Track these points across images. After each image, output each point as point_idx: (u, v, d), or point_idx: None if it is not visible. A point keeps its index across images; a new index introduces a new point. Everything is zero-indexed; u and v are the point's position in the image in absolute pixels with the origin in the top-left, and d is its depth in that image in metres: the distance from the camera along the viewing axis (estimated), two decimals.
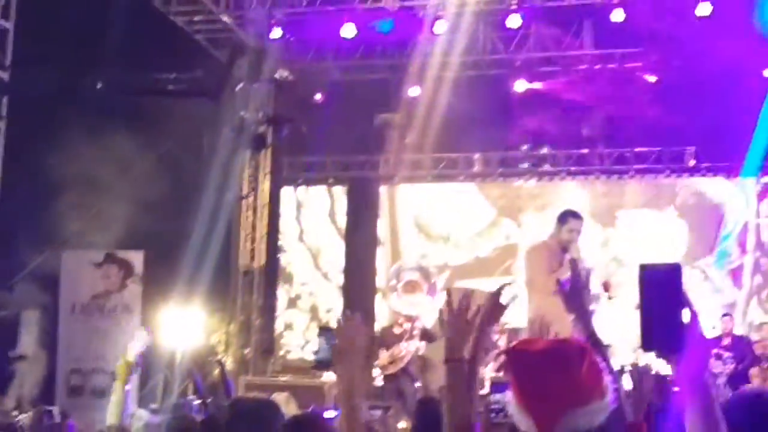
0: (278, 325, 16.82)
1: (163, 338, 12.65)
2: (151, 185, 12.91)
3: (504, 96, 15.42)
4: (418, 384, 12.38)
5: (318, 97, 16.22)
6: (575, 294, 3.87)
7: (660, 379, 4.24)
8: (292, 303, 17.07)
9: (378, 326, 14.56)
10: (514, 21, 14.16)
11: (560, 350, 2.66)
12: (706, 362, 2.29)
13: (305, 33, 15.63)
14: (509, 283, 3.98)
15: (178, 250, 13.42)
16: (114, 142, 12.63)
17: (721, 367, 12.27)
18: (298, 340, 16.71)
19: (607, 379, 2.67)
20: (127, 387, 6.37)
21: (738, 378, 12.18)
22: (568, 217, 8.72)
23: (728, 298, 15.34)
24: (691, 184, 15.90)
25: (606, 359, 3.44)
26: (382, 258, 16.68)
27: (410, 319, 13.16)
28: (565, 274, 8.36)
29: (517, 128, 15.54)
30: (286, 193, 17.25)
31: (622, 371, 4.44)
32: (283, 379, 13.89)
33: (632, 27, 14.84)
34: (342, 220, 17.08)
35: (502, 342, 11.92)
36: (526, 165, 16.33)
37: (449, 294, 3.48)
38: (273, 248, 16.79)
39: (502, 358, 10.63)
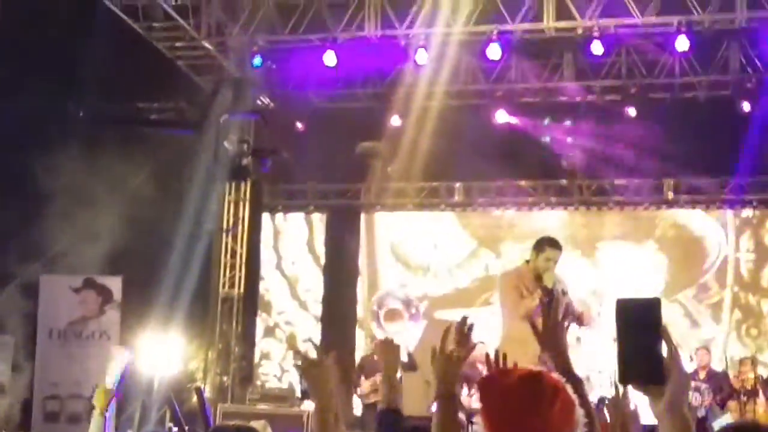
0: (256, 354, 16.77)
1: (141, 365, 12.58)
2: (130, 211, 12.88)
3: (485, 126, 15.47)
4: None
5: (299, 125, 16.23)
6: (549, 328, 3.86)
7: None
8: (270, 332, 17.03)
9: (358, 354, 14.54)
10: (494, 52, 14.22)
11: (531, 384, 2.67)
12: (685, 395, 2.30)
13: (287, 61, 15.67)
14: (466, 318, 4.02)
15: (157, 277, 13.38)
16: (95, 168, 12.59)
17: (699, 400, 12.30)
18: (276, 369, 16.66)
19: (579, 413, 2.68)
20: (107, 414, 6.31)
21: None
22: (545, 245, 8.65)
23: (708, 332, 15.41)
24: (670, 216, 15.99)
25: (582, 394, 3.44)
26: (360, 287, 16.68)
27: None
28: (535, 302, 8.37)
29: (497, 158, 15.58)
30: (266, 220, 17.25)
31: (602, 402, 4.46)
32: (261, 407, 13.81)
33: (612, 60, 14.97)
34: (321, 249, 17.07)
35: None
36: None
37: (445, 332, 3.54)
38: (253, 275, 16.76)
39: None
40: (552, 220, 16.15)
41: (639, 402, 3.83)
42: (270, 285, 17.21)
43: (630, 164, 15.49)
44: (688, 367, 12.80)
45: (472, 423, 9.93)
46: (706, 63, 14.69)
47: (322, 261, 16.98)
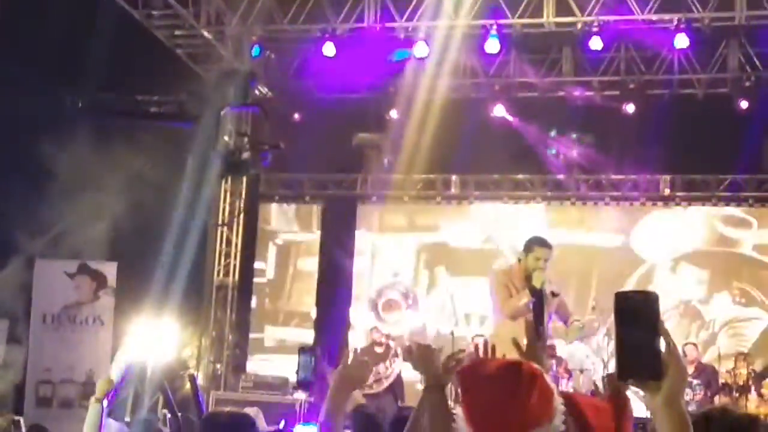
0: (250, 342, 16.78)
1: (135, 351, 12.56)
2: (127, 197, 12.87)
3: (483, 119, 15.47)
4: (400, 403, 12.39)
5: (296, 116, 16.22)
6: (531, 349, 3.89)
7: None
8: (266, 320, 17.03)
9: (358, 344, 14.57)
10: (492, 46, 14.22)
11: (509, 373, 2.69)
12: (683, 390, 2.30)
13: (285, 51, 15.67)
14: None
15: (152, 263, 13.37)
16: (92, 155, 12.58)
17: (691, 395, 12.34)
18: (270, 357, 16.66)
19: (557, 401, 2.70)
20: (104, 403, 6.34)
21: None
22: (534, 245, 8.62)
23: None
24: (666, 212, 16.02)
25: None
26: (357, 275, 16.69)
27: (391, 337, 13.19)
28: (521, 302, 8.37)
29: (495, 152, 15.58)
30: (263, 209, 17.25)
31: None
32: (254, 395, 13.83)
33: (611, 56, 14.98)
34: (317, 238, 17.08)
35: None
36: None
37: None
38: (248, 264, 16.77)
39: None
40: (547, 213, 16.19)
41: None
42: (267, 273, 17.22)
43: (627, 160, 15.52)
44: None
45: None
46: (705, 60, 14.72)
47: (319, 249, 16.97)
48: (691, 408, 12.13)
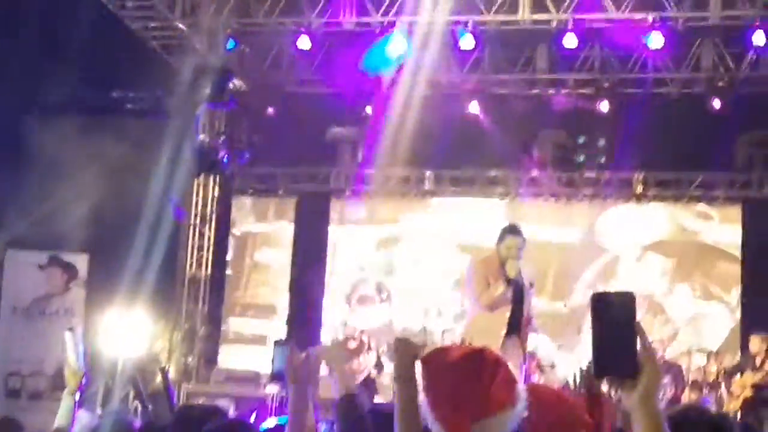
0: (222, 335, 16.74)
1: (105, 343, 12.52)
2: (99, 190, 12.81)
3: (457, 116, 15.48)
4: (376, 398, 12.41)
5: (271, 110, 16.16)
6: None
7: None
8: (237, 313, 16.98)
9: (329, 340, 14.59)
10: (467, 43, 14.23)
11: (472, 360, 2.71)
12: (658, 388, 2.32)
13: (260, 44, 15.63)
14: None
15: (124, 255, 13.31)
16: (65, 146, 12.52)
17: (661, 393, 12.41)
18: (242, 350, 16.62)
19: (520, 389, 2.71)
20: (76, 396, 6.31)
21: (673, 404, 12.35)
22: (506, 234, 8.68)
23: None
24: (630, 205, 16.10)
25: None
26: (330, 270, 16.68)
27: (365, 332, 13.21)
28: (498, 291, 8.41)
29: (469, 148, 15.60)
30: (235, 203, 17.20)
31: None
32: (226, 388, 13.81)
33: (586, 54, 15.02)
34: (291, 232, 17.04)
35: None
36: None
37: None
38: (221, 257, 16.72)
39: None
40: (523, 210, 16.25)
41: None
42: (239, 267, 17.18)
43: (600, 158, 15.59)
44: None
45: None
46: (679, 60, 14.79)
47: (292, 244, 16.94)
48: (661, 406, 12.23)
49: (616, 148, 15.26)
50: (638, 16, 13.65)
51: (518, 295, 8.57)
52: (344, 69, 15.54)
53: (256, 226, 17.29)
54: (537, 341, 12.30)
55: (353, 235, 16.85)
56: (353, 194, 16.73)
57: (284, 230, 17.11)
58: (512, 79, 15.54)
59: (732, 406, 12.05)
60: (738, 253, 15.52)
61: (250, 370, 14.33)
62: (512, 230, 8.70)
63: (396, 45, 14.27)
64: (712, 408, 10.82)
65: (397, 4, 14.05)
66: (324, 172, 16.79)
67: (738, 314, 15.36)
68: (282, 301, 16.73)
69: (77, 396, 6.26)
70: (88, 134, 12.99)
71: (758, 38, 13.44)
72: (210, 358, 16.09)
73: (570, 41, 13.98)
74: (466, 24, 14.04)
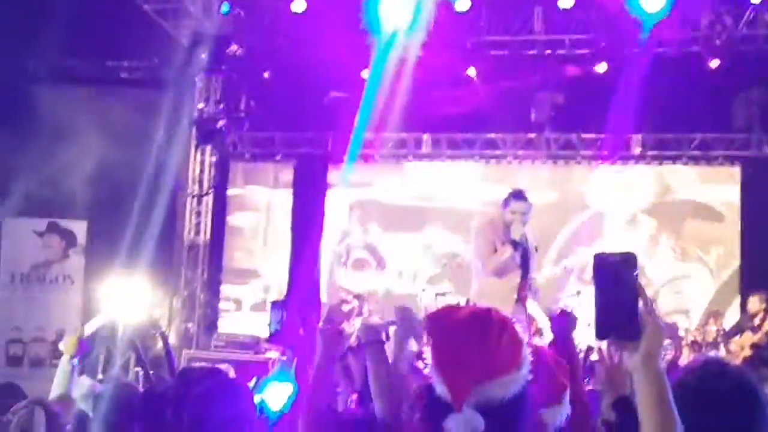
0: (222, 301, 16.77)
1: (106, 310, 12.51)
2: (97, 156, 12.77)
3: (455, 78, 15.42)
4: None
5: (267, 74, 16.08)
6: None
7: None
8: (237, 279, 17.00)
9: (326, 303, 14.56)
10: (462, 4, 14.17)
11: (479, 320, 2.70)
12: (660, 349, 2.32)
13: (255, 8, 15.52)
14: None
15: (122, 222, 13.29)
16: (60, 109, 12.47)
17: (663, 354, 12.44)
18: (242, 315, 16.66)
19: (525, 351, 2.71)
20: (74, 361, 6.34)
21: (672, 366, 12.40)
22: (510, 198, 8.67)
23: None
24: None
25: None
26: (329, 234, 16.68)
27: (358, 296, 13.19)
28: (506, 254, 8.40)
29: (466, 110, 15.55)
30: (233, 168, 17.17)
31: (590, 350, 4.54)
32: (227, 353, 13.84)
33: (582, 14, 14.93)
34: (288, 198, 17.03)
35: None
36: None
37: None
38: (219, 223, 16.71)
39: None
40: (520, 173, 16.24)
41: None
42: (238, 232, 17.18)
43: (599, 119, 15.51)
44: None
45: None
46: (676, 19, 14.68)
47: (290, 209, 16.93)
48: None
49: (613, 110, 15.20)
50: None
51: (524, 259, 8.56)
52: (341, 32, 15.45)
53: (254, 191, 17.27)
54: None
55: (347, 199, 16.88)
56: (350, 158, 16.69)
57: (282, 195, 17.10)
58: (508, 40, 15.46)
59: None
60: (731, 213, 15.54)
61: (251, 335, 14.36)
62: (517, 195, 8.68)
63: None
64: None
65: None
66: (322, 136, 16.74)
67: (724, 276, 15.42)
68: (281, 266, 16.74)
69: (75, 362, 6.29)
70: (84, 103, 12.93)
71: None
72: (210, 324, 16.13)
73: (566, 1, 13.91)
74: None
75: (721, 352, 12.55)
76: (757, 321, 12.43)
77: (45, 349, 13.11)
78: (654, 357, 2.27)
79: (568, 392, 3.73)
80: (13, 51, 13.03)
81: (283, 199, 17.07)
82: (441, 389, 2.65)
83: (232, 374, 7.91)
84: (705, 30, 14.60)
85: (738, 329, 12.77)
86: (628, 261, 2.32)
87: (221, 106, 15.69)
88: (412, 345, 4.01)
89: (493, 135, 16.29)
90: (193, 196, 16.25)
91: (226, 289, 16.80)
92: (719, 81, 14.52)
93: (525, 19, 15.27)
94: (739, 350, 12.30)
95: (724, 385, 2.87)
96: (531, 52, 15.62)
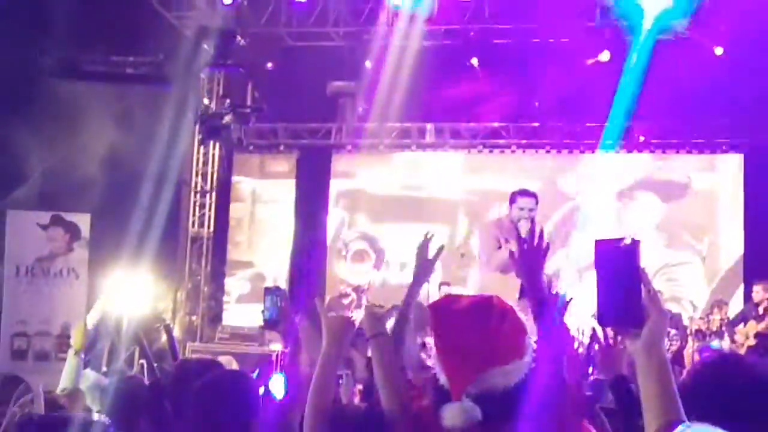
0: (226, 293, 16.77)
1: (110, 303, 12.51)
2: (101, 148, 12.77)
3: (458, 67, 15.38)
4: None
5: (270, 64, 16.06)
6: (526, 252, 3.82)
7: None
8: (241, 271, 16.99)
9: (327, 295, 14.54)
10: None
11: (480, 309, 2.69)
12: (663, 336, 2.30)
13: None
14: (431, 235, 4.09)
15: (126, 215, 13.29)
16: (65, 102, 12.47)
17: (667, 344, 12.41)
18: (246, 307, 16.66)
19: (528, 339, 2.70)
20: (81, 354, 6.35)
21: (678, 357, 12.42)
22: (516, 195, 8.67)
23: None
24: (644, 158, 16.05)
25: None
26: (330, 225, 16.68)
27: (357, 288, 13.18)
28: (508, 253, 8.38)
29: (470, 99, 15.52)
30: (236, 159, 17.16)
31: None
32: (231, 346, 13.84)
33: (587, 2, 14.88)
34: (292, 189, 17.01)
35: None
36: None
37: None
38: (223, 215, 16.71)
39: None
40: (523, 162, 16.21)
41: None
42: (242, 224, 17.17)
43: (602, 107, 15.45)
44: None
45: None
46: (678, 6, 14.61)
47: (294, 200, 16.91)
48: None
49: (617, 97, 15.13)
50: None
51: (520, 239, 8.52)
52: (343, 22, 15.44)
53: (258, 183, 17.25)
54: None
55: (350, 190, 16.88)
56: (354, 148, 16.68)
57: (285, 186, 17.08)
58: (511, 28, 15.41)
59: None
60: (732, 201, 15.51)
61: (255, 327, 14.35)
62: (523, 192, 8.68)
63: None
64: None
65: None
66: (325, 126, 16.71)
67: (719, 263, 15.40)
68: (281, 259, 16.72)
69: (82, 356, 6.30)
70: (89, 96, 12.92)
71: None
72: (214, 316, 16.14)
73: None
74: None
75: (726, 341, 12.53)
76: (761, 310, 12.40)
77: (50, 343, 13.08)
78: (657, 344, 2.25)
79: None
80: (19, 45, 13.01)
81: (270, 190, 17.04)
82: (443, 379, 2.65)
83: (234, 366, 7.91)
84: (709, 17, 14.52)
85: (742, 318, 12.74)
86: (630, 247, 2.29)
87: (227, 101, 15.65)
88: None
89: (496, 124, 16.25)
90: (197, 189, 16.24)
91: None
92: (723, 68, 14.45)
93: (529, 6, 15.19)
94: (743, 339, 12.27)
95: (741, 381, 2.84)
96: (535, 40, 15.55)
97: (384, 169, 16.72)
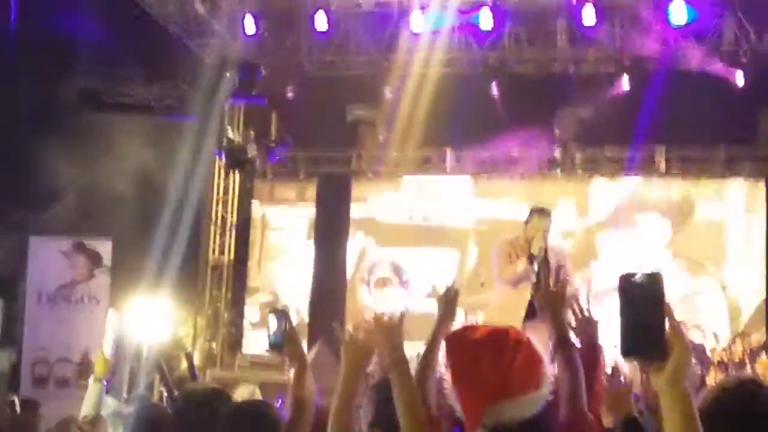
0: (246, 321, 16.76)
1: (130, 329, 12.55)
2: (122, 175, 12.85)
3: (478, 94, 15.39)
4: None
5: (290, 93, 16.12)
6: (545, 292, 3.85)
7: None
8: (260, 298, 16.98)
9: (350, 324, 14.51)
10: (486, 21, 14.21)
11: (495, 340, 2.68)
12: (687, 370, 2.29)
13: (279, 26, 15.58)
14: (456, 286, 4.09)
15: (147, 241, 13.36)
16: (88, 132, 12.57)
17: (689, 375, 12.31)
18: (265, 335, 16.62)
19: (546, 371, 2.68)
20: (104, 382, 6.35)
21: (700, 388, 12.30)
22: (533, 214, 8.81)
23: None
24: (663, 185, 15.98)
25: (574, 359, 3.43)
26: (350, 254, 16.65)
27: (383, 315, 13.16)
28: (520, 266, 8.45)
29: (490, 127, 15.52)
30: (256, 187, 17.19)
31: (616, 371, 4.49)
32: (251, 373, 13.82)
33: (606, 31, 14.89)
34: (302, 214, 17.01)
35: None
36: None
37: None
38: (243, 242, 16.72)
39: None
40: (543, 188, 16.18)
41: None
42: (262, 251, 17.17)
43: (622, 134, 15.45)
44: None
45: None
46: (700, 34, 14.61)
47: (314, 227, 16.91)
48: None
49: (637, 125, 15.12)
50: None
51: (540, 273, 8.58)
52: (364, 50, 15.51)
53: (278, 210, 17.27)
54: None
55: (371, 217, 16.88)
56: (375, 175, 16.68)
57: (306, 213, 17.09)
58: (531, 57, 15.43)
59: None
60: (751, 229, 15.42)
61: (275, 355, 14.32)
62: (540, 211, 8.80)
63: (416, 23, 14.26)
64: None
65: None
66: (345, 154, 16.73)
67: (731, 291, 15.29)
68: (302, 285, 16.71)
69: (104, 382, 6.30)
70: (112, 127, 13.03)
71: None
72: (234, 343, 16.13)
73: (589, 16, 13.91)
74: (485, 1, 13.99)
75: (747, 372, 12.43)
76: None
77: (71, 370, 13.13)
78: (681, 378, 2.24)
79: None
80: (44, 77, 13.15)
81: (278, 215, 17.07)
82: (458, 409, 2.64)
83: (257, 395, 7.91)
84: (729, 44, 14.52)
85: (765, 349, 12.64)
86: (654, 281, 2.29)
87: (251, 133, 15.74)
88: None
89: (516, 151, 16.23)
90: (218, 217, 16.28)
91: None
92: (745, 95, 14.43)
93: (548, 34, 15.22)
94: (763, 370, 12.17)
95: (760, 407, 2.83)
96: (554, 68, 15.57)
97: (403, 195, 16.71)
